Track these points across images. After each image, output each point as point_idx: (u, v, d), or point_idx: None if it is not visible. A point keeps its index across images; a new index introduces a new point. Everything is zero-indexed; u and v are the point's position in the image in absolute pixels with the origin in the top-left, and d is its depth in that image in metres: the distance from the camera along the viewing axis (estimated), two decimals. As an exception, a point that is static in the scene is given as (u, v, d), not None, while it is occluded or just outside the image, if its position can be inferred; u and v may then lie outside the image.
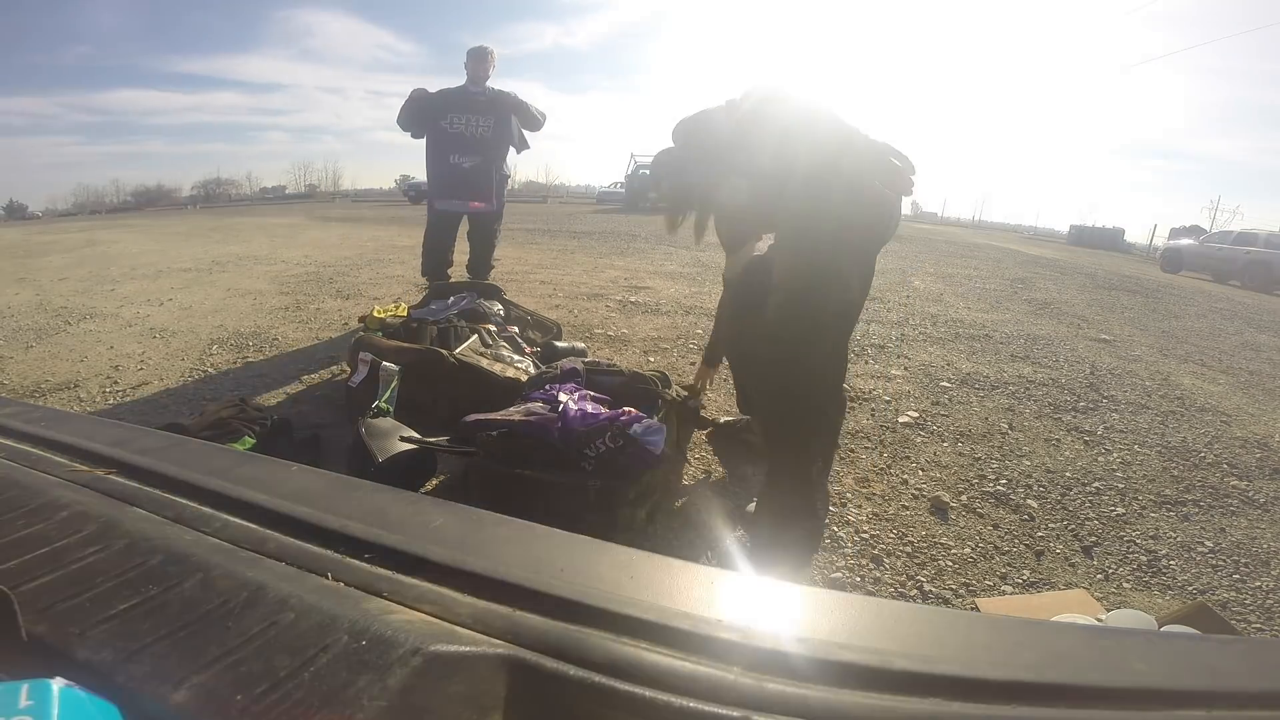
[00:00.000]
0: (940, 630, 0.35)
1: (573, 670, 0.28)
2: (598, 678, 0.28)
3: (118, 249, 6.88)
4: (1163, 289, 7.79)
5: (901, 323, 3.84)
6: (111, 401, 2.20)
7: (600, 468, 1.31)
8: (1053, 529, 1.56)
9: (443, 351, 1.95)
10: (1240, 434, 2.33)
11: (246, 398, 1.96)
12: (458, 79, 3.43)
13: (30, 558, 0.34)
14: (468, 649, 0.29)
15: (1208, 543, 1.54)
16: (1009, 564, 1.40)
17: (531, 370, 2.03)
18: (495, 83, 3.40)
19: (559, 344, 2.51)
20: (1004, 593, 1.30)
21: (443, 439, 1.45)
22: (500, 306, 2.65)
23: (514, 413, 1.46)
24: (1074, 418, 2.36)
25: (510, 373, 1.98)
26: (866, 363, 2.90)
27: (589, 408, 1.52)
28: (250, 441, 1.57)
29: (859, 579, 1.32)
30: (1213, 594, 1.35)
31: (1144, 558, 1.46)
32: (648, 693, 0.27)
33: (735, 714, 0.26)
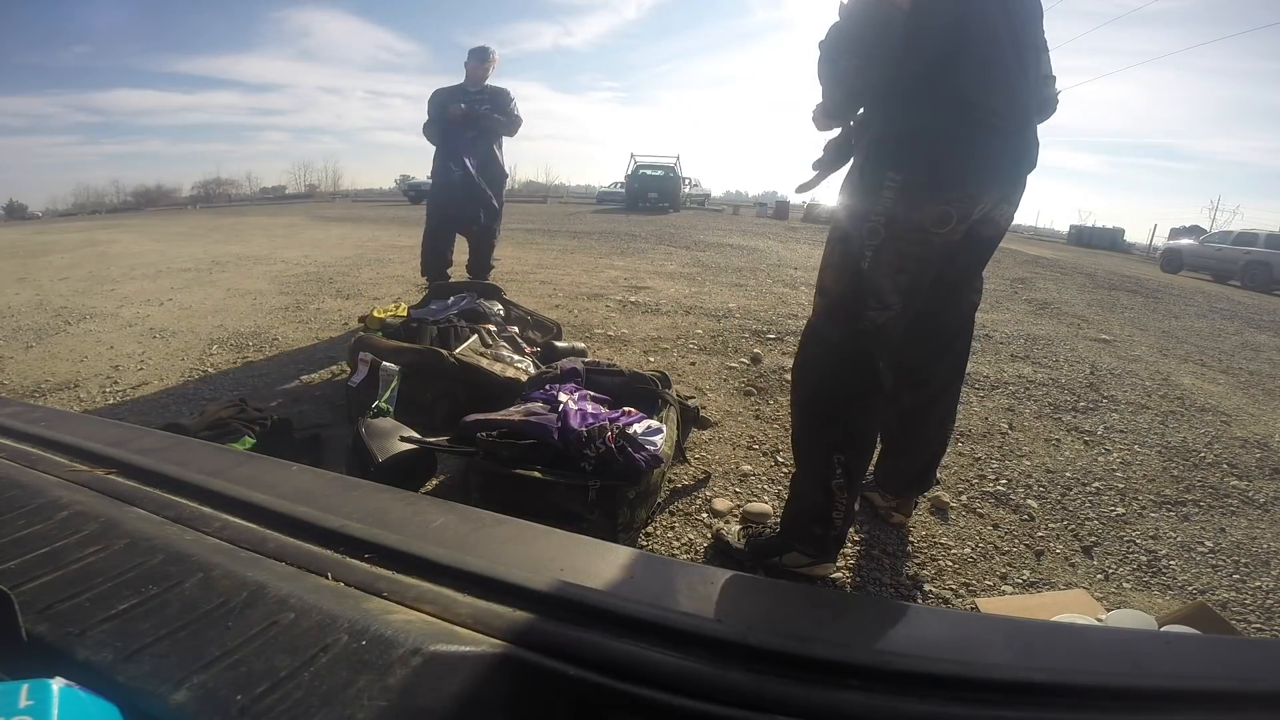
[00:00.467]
0: (940, 630, 0.35)
1: (573, 670, 0.28)
2: (598, 678, 0.28)
3: (117, 249, 6.88)
4: (1163, 289, 7.79)
5: (901, 323, 3.83)
6: (111, 401, 2.20)
7: (600, 468, 1.30)
8: (1053, 529, 1.56)
9: (443, 351, 1.95)
10: (1240, 434, 2.33)
11: (246, 398, 1.96)
12: (457, 78, 3.47)
13: (30, 558, 0.34)
14: (468, 649, 0.29)
15: (1208, 543, 1.54)
16: (1009, 564, 1.40)
17: (531, 370, 2.03)
18: (494, 82, 3.44)
19: (559, 344, 2.51)
20: (1004, 593, 1.30)
21: (443, 439, 1.45)
22: (500, 306, 2.65)
23: (514, 413, 1.46)
24: (1074, 418, 2.36)
25: (510, 373, 1.97)
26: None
27: (589, 408, 1.52)
28: (250, 441, 1.57)
29: (859, 579, 1.32)
30: (1213, 594, 1.35)
31: (1144, 558, 1.46)
32: (648, 693, 0.27)
33: (735, 714, 0.26)
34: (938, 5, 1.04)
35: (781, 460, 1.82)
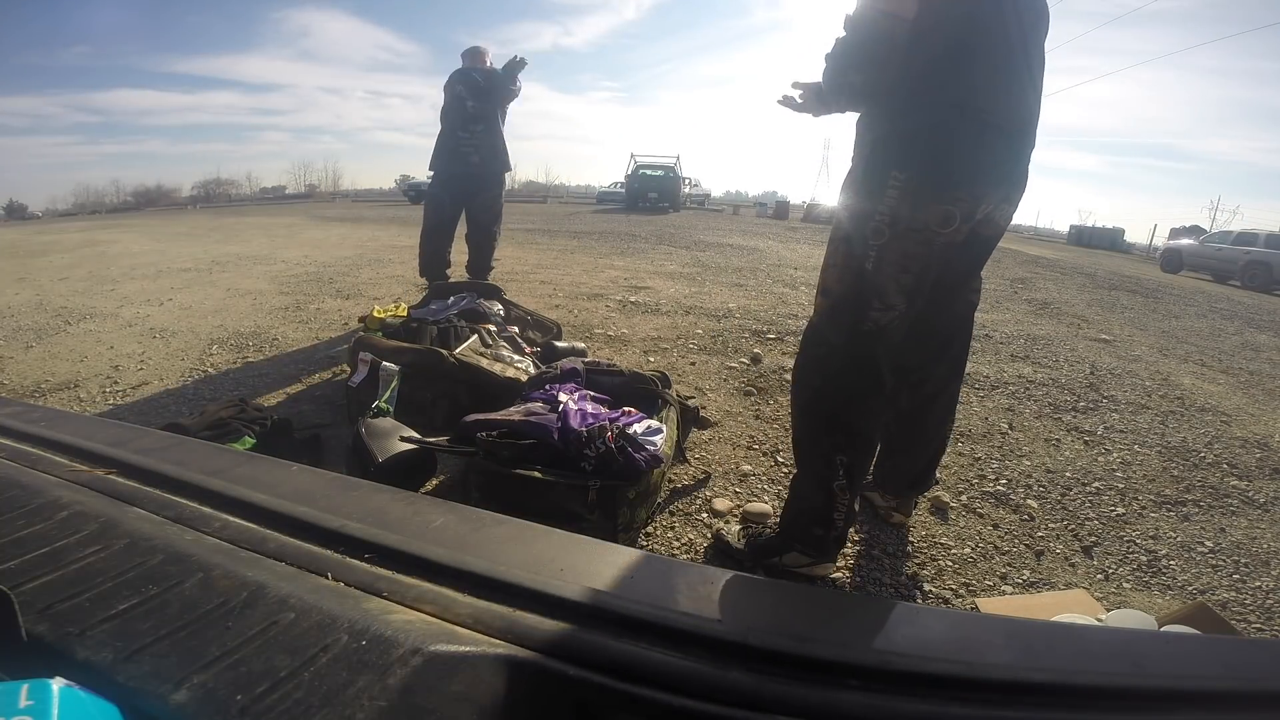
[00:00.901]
0: (940, 630, 0.35)
1: (573, 670, 0.28)
2: (598, 678, 0.28)
3: (117, 249, 6.88)
4: (1163, 289, 7.79)
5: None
6: (111, 401, 2.20)
7: (600, 468, 1.30)
8: (1053, 529, 1.56)
9: (443, 351, 1.95)
10: (1240, 434, 2.33)
11: (246, 398, 1.96)
12: None
13: (30, 558, 0.34)
14: (468, 649, 0.29)
15: (1208, 543, 1.54)
16: (1009, 564, 1.40)
17: (531, 370, 2.03)
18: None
19: (559, 344, 2.51)
20: (1004, 593, 1.30)
21: (443, 439, 1.45)
22: (500, 306, 2.65)
23: (514, 412, 1.46)
24: (1074, 418, 2.36)
25: (510, 373, 1.97)
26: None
27: (589, 408, 1.52)
28: (250, 441, 1.57)
29: (859, 579, 1.32)
30: (1213, 594, 1.35)
31: (1144, 558, 1.46)
32: (648, 693, 0.27)
33: (735, 714, 0.26)
34: (948, 5, 1.04)
35: (781, 460, 1.82)
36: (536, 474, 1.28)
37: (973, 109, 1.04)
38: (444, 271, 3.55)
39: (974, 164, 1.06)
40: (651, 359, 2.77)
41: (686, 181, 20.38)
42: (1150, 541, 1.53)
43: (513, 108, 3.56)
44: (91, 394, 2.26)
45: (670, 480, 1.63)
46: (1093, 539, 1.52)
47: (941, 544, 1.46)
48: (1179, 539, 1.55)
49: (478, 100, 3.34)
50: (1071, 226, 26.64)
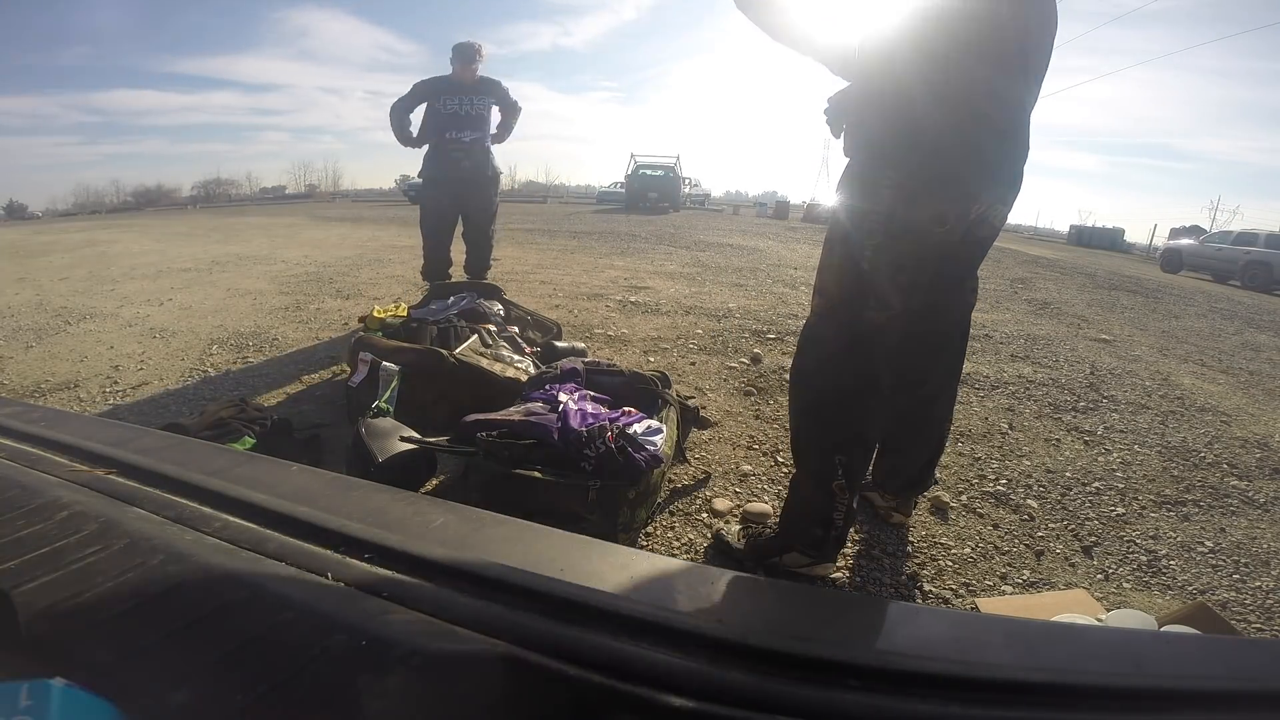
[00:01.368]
0: (940, 630, 0.35)
1: (573, 670, 0.28)
2: (598, 678, 0.28)
3: (118, 249, 6.88)
4: (1163, 289, 7.79)
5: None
6: (111, 401, 2.20)
7: (600, 468, 1.30)
8: (1053, 529, 1.56)
9: (443, 351, 1.95)
10: (1240, 434, 2.33)
11: (246, 398, 1.96)
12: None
13: (30, 558, 0.34)
14: (468, 649, 0.29)
15: (1208, 543, 1.54)
16: (1009, 564, 1.40)
17: (531, 370, 2.03)
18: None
19: (559, 344, 2.51)
20: (1004, 593, 1.30)
21: (443, 439, 1.45)
22: (500, 306, 2.65)
23: (514, 413, 1.46)
24: (1074, 418, 2.36)
25: (510, 373, 1.97)
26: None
27: (589, 408, 1.52)
28: (250, 441, 1.57)
29: (859, 579, 1.32)
30: (1213, 594, 1.35)
31: (1144, 558, 1.46)
32: (648, 693, 0.27)
33: (735, 714, 0.26)
34: (947, 5, 1.04)
35: (781, 460, 1.82)
36: (536, 474, 1.28)
37: (968, 109, 1.04)
38: (447, 272, 3.57)
39: (968, 164, 1.06)
40: (651, 359, 2.76)
41: (686, 181, 20.39)
42: (1150, 541, 1.53)
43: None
44: (91, 394, 2.26)
45: (670, 480, 1.63)
46: (1093, 539, 1.52)
47: (941, 544, 1.46)
48: (1179, 539, 1.55)
49: (467, 107, 3.34)
50: (1071, 226, 26.67)
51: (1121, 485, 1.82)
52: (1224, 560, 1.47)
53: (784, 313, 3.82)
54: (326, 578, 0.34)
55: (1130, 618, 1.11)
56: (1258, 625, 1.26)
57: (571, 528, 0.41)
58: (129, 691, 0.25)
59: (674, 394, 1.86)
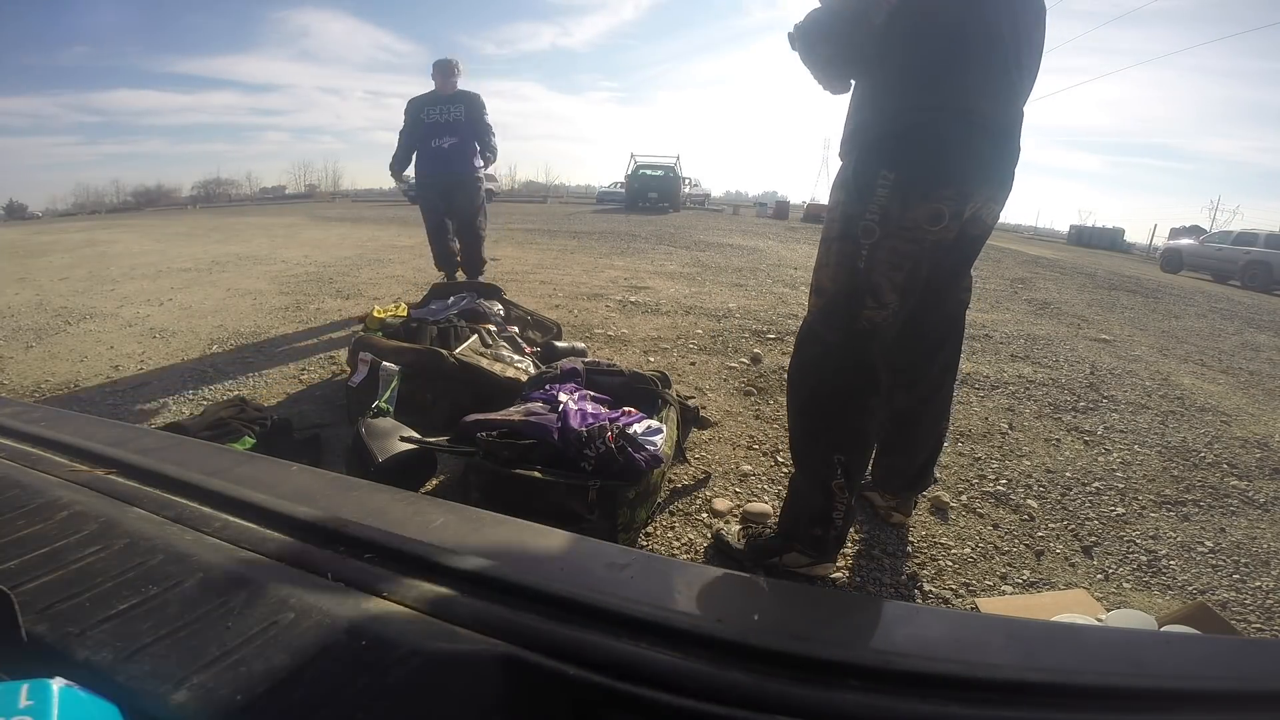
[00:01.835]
0: (940, 630, 0.35)
1: (573, 670, 0.28)
2: (598, 677, 0.28)
3: (118, 249, 6.88)
4: (1163, 289, 7.79)
5: (901, 323, 3.83)
6: (111, 401, 2.20)
7: (600, 468, 1.30)
8: (1053, 529, 1.56)
9: (443, 351, 1.95)
10: (1240, 434, 2.33)
11: (246, 398, 1.96)
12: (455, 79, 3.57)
13: (30, 558, 0.34)
14: (468, 649, 0.29)
15: (1208, 543, 1.54)
16: (1009, 564, 1.40)
17: (531, 370, 2.03)
18: (472, 85, 3.65)
19: (559, 344, 2.51)
20: (1004, 593, 1.30)
21: (443, 439, 1.45)
22: (500, 306, 2.65)
23: (514, 413, 1.46)
24: (1074, 418, 2.36)
25: (510, 373, 1.98)
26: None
27: (589, 408, 1.52)
28: (250, 441, 1.57)
29: (859, 579, 1.32)
30: (1213, 594, 1.35)
31: (1144, 558, 1.46)
32: (648, 693, 0.27)
33: (735, 714, 0.26)
34: (940, 3, 1.04)
35: (781, 460, 1.82)
36: (536, 474, 1.28)
37: (961, 109, 1.05)
38: (455, 261, 3.71)
39: (962, 163, 1.07)
40: (651, 359, 2.76)
41: (686, 181, 20.38)
42: (1150, 541, 1.53)
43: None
44: (91, 394, 2.26)
45: (670, 480, 1.63)
46: (1093, 539, 1.52)
47: (941, 544, 1.46)
48: (1179, 539, 1.55)
49: (447, 115, 3.52)
50: (1071, 226, 26.67)
51: (1121, 485, 1.82)
52: (1224, 560, 1.47)
53: (784, 313, 3.82)
54: (326, 578, 0.34)
55: (1130, 618, 1.11)
56: (1258, 625, 1.26)
57: (571, 528, 0.41)
58: (129, 691, 0.25)
59: (674, 394, 1.86)
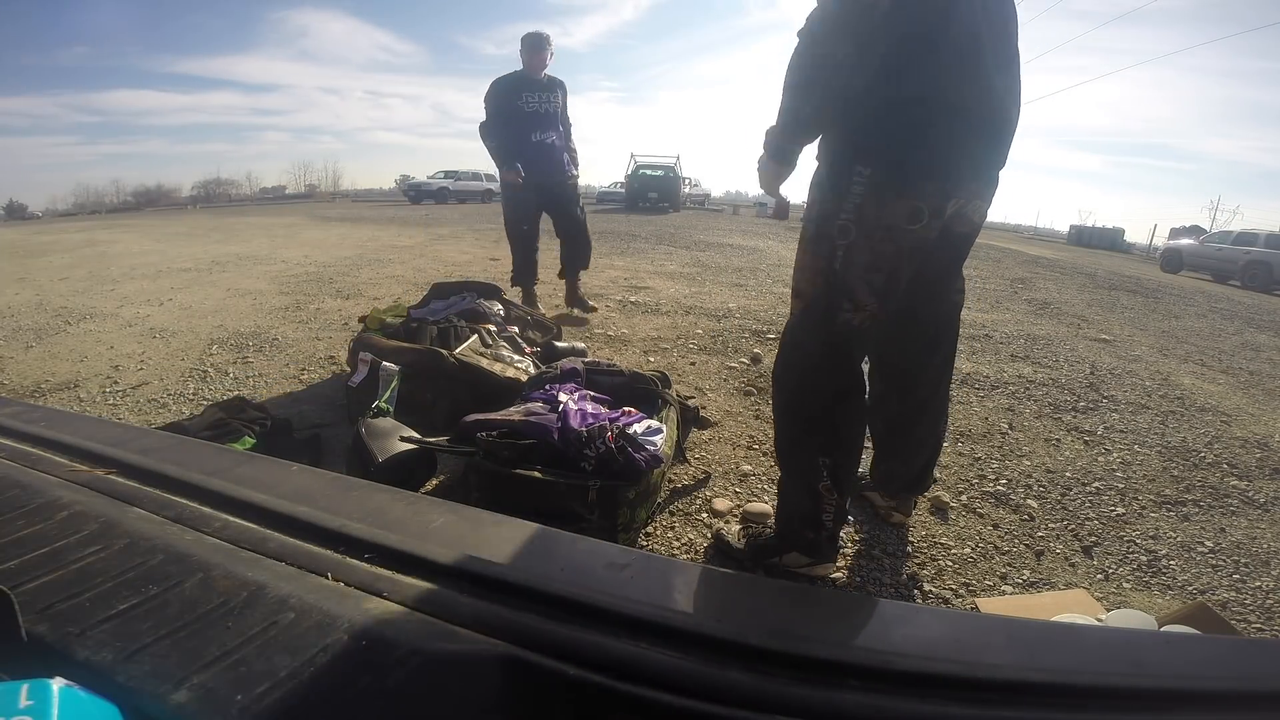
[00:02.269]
0: (940, 630, 0.35)
1: (573, 670, 0.28)
2: (597, 677, 0.28)
3: (118, 249, 6.87)
4: (1163, 289, 7.79)
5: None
6: (111, 401, 2.20)
7: (600, 468, 1.30)
8: (1053, 529, 1.56)
9: (443, 351, 1.95)
10: (1240, 434, 2.33)
11: (246, 398, 1.96)
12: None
13: (30, 558, 0.34)
14: (468, 649, 0.29)
15: (1208, 543, 1.54)
16: (1009, 564, 1.40)
17: (531, 370, 2.03)
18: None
19: (559, 344, 2.51)
20: (1004, 593, 1.30)
21: (443, 439, 1.45)
22: (500, 306, 2.65)
23: (514, 413, 1.46)
24: (1074, 418, 2.36)
25: (510, 373, 1.97)
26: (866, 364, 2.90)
27: (589, 408, 1.52)
28: (250, 441, 1.57)
29: (859, 579, 1.32)
30: (1213, 594, 1.35)
31: (1144, 558, 1.46)
32: (648, 693, 0.27)
33: (735, 714, 0.26)
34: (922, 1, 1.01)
35: (781, 460, 1.82)
36: (536, 474, 1.28)
37: (938, 103, 1.01)
38: (535, 275, 3.60)
39: (940, 159, 1.04)
40: (651, 359, 2.76)
41: (686, 181, 20.37)
42: (1150, 541, 1.53)
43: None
44: (91, 394, 2.26)
45: (670, 480, 1.63)
46: (1093, 539, 1.52)
47: (941, 544, 1.46)
48: (1179, 539, 1.55)
49: (546, 105, 3.21)
50: (1071, 226, 26.69)
51: (1121, 485, 1.82)
52: (1224, 560, 1.47)
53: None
54: (326, 578, 0.34)
55: (1130, 618, 1.11)
56: (1258, 625, 1.26)
57: (571, 528, 0.41)
58: (129, 691, 0.25)
59: (674, 394, 1.86)
